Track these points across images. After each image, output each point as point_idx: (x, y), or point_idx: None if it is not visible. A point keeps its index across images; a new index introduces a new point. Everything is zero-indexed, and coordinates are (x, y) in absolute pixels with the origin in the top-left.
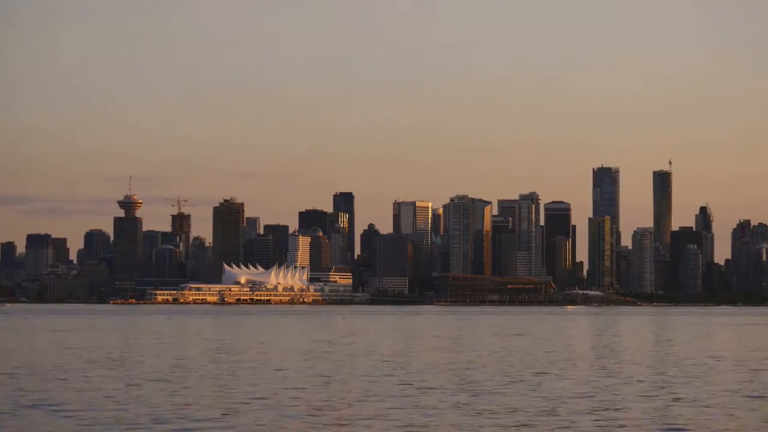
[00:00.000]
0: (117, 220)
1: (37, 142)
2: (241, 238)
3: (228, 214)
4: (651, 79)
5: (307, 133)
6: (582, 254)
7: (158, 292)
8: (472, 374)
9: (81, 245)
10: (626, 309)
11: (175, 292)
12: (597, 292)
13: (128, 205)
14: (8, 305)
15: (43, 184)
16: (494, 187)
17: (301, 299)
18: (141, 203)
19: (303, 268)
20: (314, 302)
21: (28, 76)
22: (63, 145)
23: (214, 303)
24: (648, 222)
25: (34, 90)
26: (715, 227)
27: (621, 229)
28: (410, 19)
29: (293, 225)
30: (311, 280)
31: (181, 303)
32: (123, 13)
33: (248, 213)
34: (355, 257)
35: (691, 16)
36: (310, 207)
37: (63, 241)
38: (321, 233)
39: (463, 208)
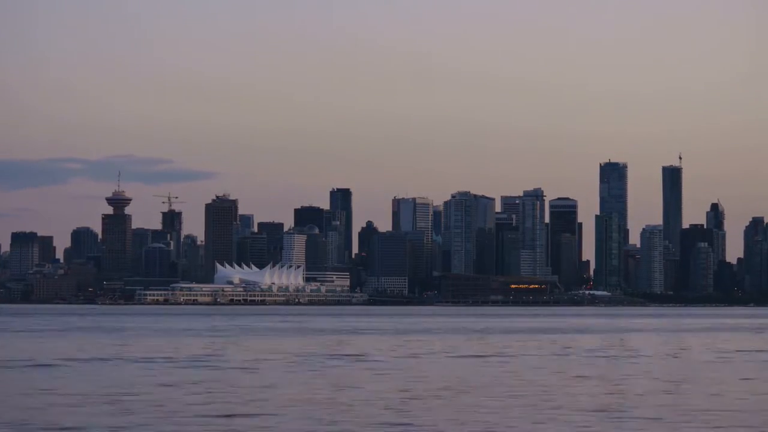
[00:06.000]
0: (105, 217)
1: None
2: (235, 237)
3: (221, 211)
4: (659, 72)
5: (303, 128)
6: (588, 253)
7: (148, 292)
8: None
9: (68, 244)
10: (637, 310)
11: (165, 292)
12: (604, 293)
13: (117, 201)
14: None
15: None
16: (497, 183)
17: (297, 300)
18: (130, 200)
19: (298, 267)
20: (310, 303)
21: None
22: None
23: (207, 303)
24: (657, 219)
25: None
26: (727, 225)
27: (629, 226)
28: (408, 14)
29: (288, 223)
30: (307, 279)
31: (172, 304)
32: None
33: (242, 210)
34: (353, 256)
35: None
36: (305, 204)
37: (49, 239)
38: (317, 231)
39: (465, 204)
